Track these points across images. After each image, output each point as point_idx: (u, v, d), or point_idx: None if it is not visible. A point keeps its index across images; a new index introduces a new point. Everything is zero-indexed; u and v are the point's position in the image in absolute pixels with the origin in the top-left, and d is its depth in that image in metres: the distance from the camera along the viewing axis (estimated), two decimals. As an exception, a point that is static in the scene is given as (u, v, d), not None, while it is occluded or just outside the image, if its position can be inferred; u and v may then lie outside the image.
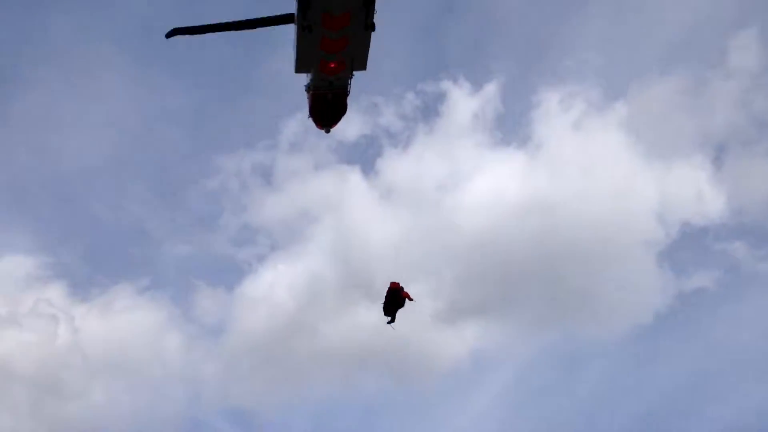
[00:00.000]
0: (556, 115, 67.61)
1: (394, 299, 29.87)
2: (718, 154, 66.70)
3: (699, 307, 64.22)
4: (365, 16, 24.89)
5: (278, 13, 25.96)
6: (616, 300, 62.01)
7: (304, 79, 28.02)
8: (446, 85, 68.96)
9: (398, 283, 29.93)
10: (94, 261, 72.50)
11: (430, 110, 70.21)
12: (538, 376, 66.07)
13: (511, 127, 73.58)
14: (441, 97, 70.95)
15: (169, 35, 26.39)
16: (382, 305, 30.35)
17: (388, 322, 30.44)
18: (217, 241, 71.91)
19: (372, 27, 25.27)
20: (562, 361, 67.03)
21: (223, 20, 26.21)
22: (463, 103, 69.51)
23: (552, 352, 67.52)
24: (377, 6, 24.89)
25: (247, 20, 26.13)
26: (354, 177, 67.70)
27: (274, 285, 66.67)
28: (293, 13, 25.22)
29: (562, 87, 69.53)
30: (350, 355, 61.96)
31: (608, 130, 65.40)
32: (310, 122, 29.61)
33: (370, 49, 26.23)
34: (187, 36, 26.53)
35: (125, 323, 67.59)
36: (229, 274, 73.39)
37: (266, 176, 70.80)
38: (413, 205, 66.66)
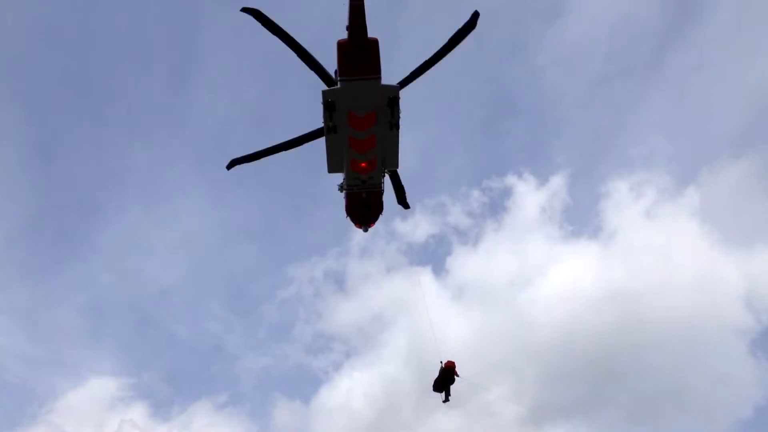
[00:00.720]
0: (626, 204, 65.44)
1: (448, 377, 30.89)
2: (800, 237, 62.11)
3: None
4: (390, 116, 25.19)
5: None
6: (711, 394, 57.20)
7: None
8: (511, 180, 68.53)
9: (454, 363, 31.02)
10: (173, 380, 74.20)
11: (497, 206, 69.66)
12: (634, 481, 60.76)
13: (581, 218, 71.78)
14: (507, 192, 70.45)
15: (229, 167, 27.95)
16: (434, 382, 31.29)
17: (444, 401, 31.44)
18: (292, 351, 72.11)
19: (396, 126, 25.51)
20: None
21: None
22: (530, 197, 68.68)
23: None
24: (404, 105, 25.35)
25: (290, 140, 27.20)
26: (425, 278, 66.93)
27: (351, 393, 65.64)
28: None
29: (629, 176, 67.66)
30: (432, 464, 59.21)
31: (682, 217, 62.50)
32: (349, 221, 29.73)
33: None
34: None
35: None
36: (305, 385, 73.05)
37: (339, 282, 71.33)
38: (486, 303, 64.95)
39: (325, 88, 24.94)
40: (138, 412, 70.21)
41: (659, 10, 70.87)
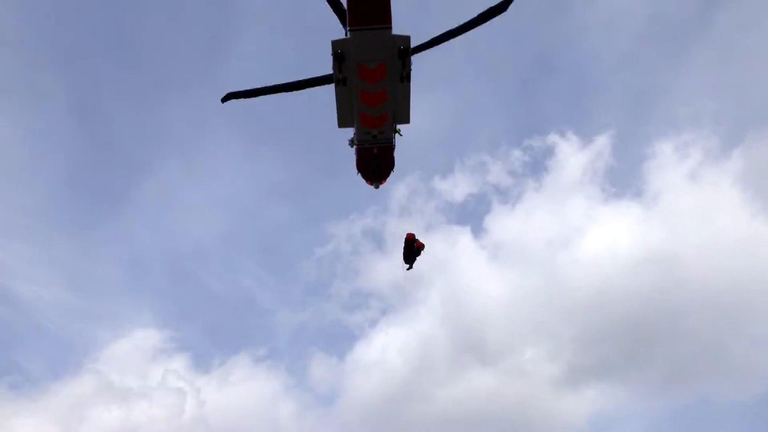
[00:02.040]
0: (671, 165, 63.45)
1: (410, 249, 30.48)
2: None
3: None
4: (402, 67, 24.37)
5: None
6: (751, 357, 56.14)
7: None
8: (554, 139, 66.69)
9: (413, 234, 30.44)
10: (213, 333, 75.34)
11: (539, 165, 68.05)
12: (667, 443, 60.33)
13: (623, 179, 69.98)
14: (549, 152, 68.85)
15: (224, 100, 26.53)
16: (402, 255, 30.93)
17: (407, 269, 30.94)
18: (329, 308, 72.22)
19: (408, 78, 24.69)
20: (694, 425, 61.12)
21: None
22: (573, 157, 66.92)
23: (681, 416, 61.93)
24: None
25: (295, 82, 26.24)
26: (464, 237, 66.62)
27: (386, 350, 65.97)
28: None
29: (675, 136, 65.48)
30: (465, 421, 59.62)
31: (727, 179, 60.38)
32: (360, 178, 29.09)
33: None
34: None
35: (244, 393, 69.36)
36: (341, 340, 73.64)
37: (377, 240, 70.85)
38: (524, 263, 64.25)
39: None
40: (180, 364, 71.95)
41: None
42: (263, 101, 27.03)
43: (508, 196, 68.21)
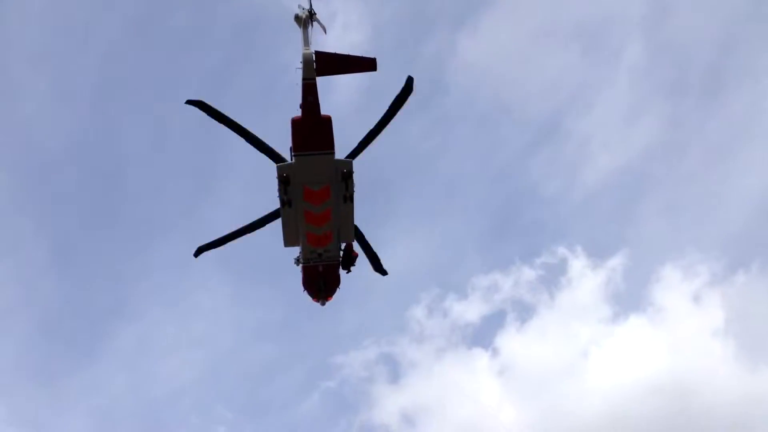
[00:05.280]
0: (679, 286, 63.56)
1: (348, 257, 29.01)
2: None
3: None
4: (345, 189, 25.64)
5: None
6: None
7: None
8: (563, 256, 66.13)
9: (351, 246, 28.94)
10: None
11: (549, 284, 67.26)
12: None
13: (632, 300, 69.05)
14: (559, 269, 67.70)
15: (196, 254, 28.42)
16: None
17: (347, 272, 29.38)
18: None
19: (351, 199, 25.94)
20: None
21: None
22: (582, 276, 66.41)
23: None
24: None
25: (251, 223, 27.73)
26: (472, 359, 65.39)
27: None
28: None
29: (681, 259, 65.98)
30: None
31: (736, 301, 61.37)
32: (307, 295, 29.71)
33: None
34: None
35: None
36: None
37: (389, 366, 68.11)
38: (533, 387, 62.65)
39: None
40: None
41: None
42: (249, 240, 28.28)
43: (516, 316, 67.73)
